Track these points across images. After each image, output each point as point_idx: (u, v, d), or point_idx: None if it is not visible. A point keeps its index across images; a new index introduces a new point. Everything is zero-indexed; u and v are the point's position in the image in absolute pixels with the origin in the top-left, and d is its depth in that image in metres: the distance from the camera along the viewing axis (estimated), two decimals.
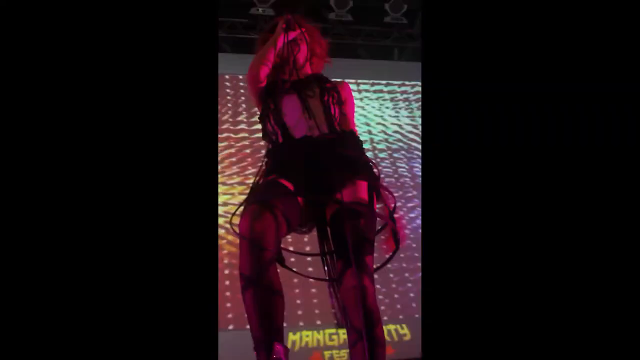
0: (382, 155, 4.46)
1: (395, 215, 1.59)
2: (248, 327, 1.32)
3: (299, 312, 3.60)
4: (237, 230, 1.42)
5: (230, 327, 3.46)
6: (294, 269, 1.64)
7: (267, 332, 1.29)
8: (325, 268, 1.61)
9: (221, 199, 3.84)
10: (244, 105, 4.38)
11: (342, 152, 1.55)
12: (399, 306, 3.80)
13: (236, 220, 1.46)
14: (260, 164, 1.63)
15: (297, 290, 3.58)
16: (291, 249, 1.89)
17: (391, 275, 3.90)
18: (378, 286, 3.78)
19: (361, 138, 1.70)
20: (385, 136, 4.57)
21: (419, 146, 4.42)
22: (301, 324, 3.57)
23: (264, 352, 1.27)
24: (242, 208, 1.50)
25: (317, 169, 1.48)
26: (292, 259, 1.88)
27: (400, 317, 3.75)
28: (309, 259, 1.84)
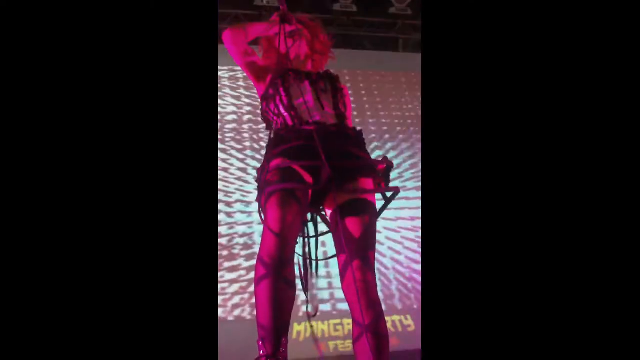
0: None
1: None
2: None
3: (307, 303, 3.62)
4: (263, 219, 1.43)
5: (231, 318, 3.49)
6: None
7: (277, 323, 1.30)
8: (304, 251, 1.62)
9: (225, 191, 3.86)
10: (246, 99, 4.37)
11: (349, 146, 1.56)
12: (404, 297, 3.81)
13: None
14: (267, 145, 1.61)
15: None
16: None
17: (397, 267, 3.91)
18: (384, 277, 3.80)
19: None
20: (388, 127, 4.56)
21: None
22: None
23: (271, 343, 1.27)
24: (259, 194, 1.51)
25: (328, 159, 1.47)
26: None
27: (405, 308, 3.76)
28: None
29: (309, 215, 1.64)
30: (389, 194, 1.60)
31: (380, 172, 1.60)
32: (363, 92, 4.69)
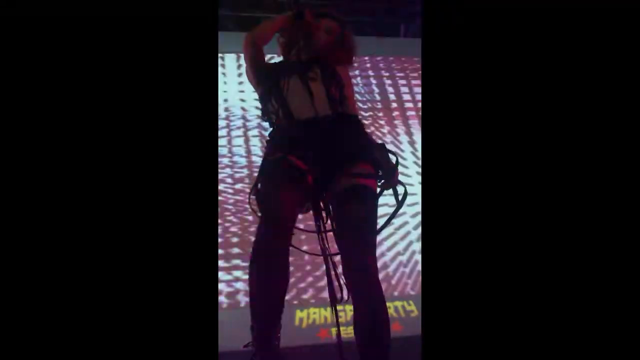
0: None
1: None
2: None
3: (309, 290, 3.64)
4: (256, 209, 1.46)
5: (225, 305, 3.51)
6: (297, 247, 1.66)
7: (270, 308, 1.31)
8: (322, 245, 1.62)
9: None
10: (246, 85, 4.35)
11: (345, 133, 1.55)
12: (406, 282, 3.82)
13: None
14: (266, 141, 1.65)
15: (308, 268, 3.61)
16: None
17: (400, 252, 3.92)
18: (386, 262, 3.81)
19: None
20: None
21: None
22: (312, 301, 3.60)
23: (264, 328, 1.29)
24: (258, 186, 1.54)
25: (322, 150, 1.49)
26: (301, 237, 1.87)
27: (409, 293, 3.77)
28: (303, 236, 1.83)
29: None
30: (400, 192, 1.58)
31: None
32: (362, 78, 4.67)
